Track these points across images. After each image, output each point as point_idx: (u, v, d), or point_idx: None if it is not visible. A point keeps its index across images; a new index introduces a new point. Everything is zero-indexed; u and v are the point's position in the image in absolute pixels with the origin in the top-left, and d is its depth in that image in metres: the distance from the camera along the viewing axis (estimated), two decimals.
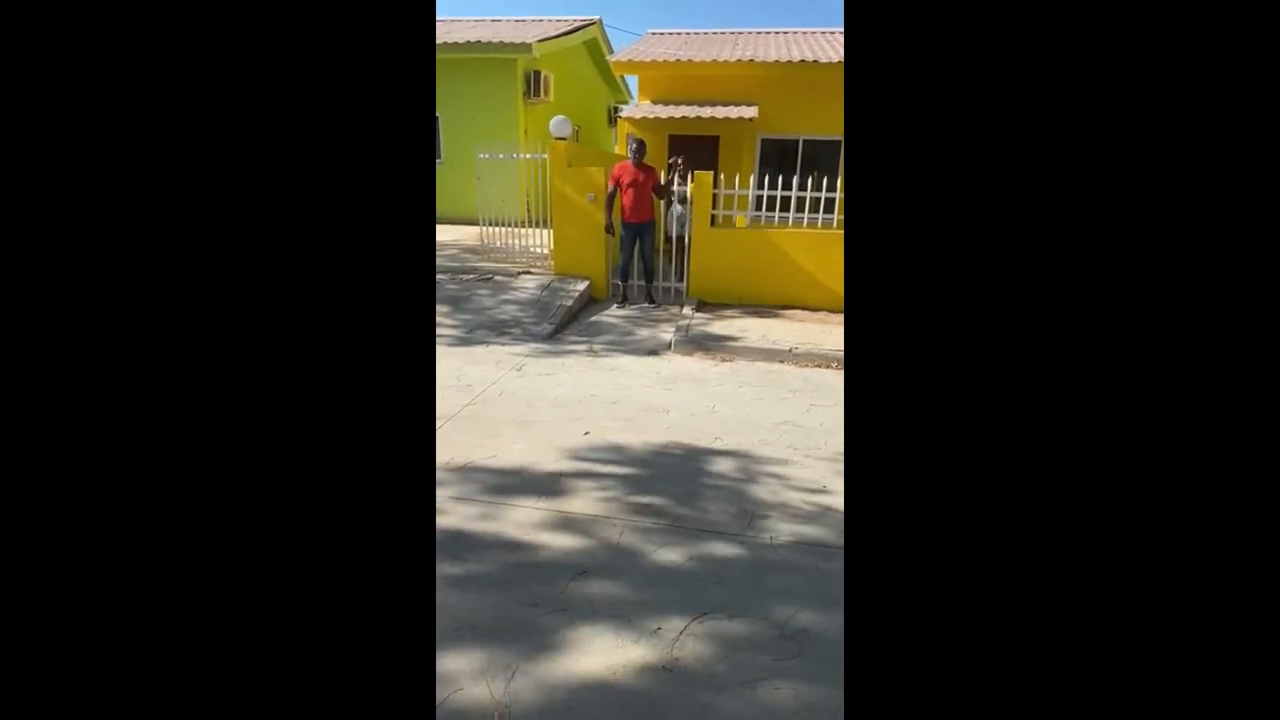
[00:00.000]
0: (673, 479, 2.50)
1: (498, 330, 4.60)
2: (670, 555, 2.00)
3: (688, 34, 9.77)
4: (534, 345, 4.34)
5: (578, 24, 10.17)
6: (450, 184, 8.82)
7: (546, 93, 9.07)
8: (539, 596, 1.78)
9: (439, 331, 4.52)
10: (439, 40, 8.56)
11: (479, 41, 8.51)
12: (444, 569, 1.88)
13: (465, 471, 2.49)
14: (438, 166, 8.98)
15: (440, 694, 1.43)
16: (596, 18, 10.75)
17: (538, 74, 8.94)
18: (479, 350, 4.16)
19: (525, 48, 8.45)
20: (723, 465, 2.65)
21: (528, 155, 5.95)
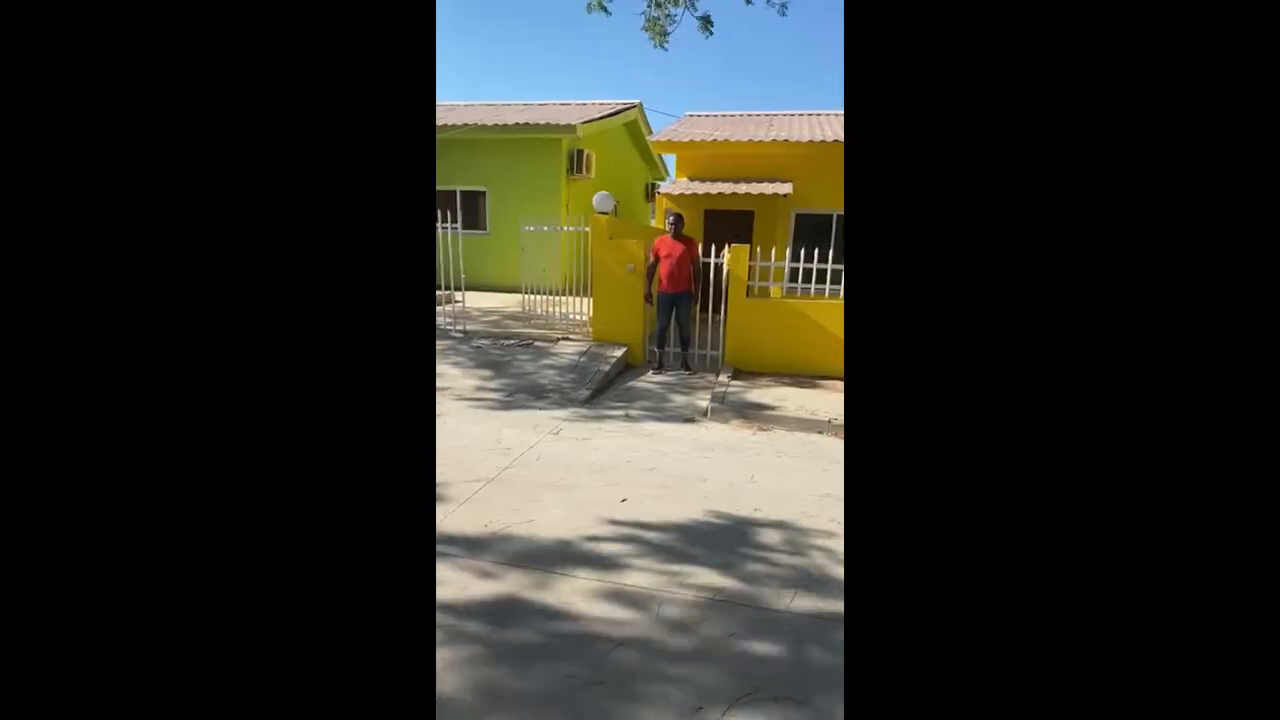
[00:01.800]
0: (713, 550, 2.46)
1: (537, 394, 4.68)
2: (711, 630, 1.94)
3: (724, 116, 10.26)
4: (572, 410, 4.39)
5: (620, 107, 10.80)
6: (495, 253, 9.22)
7: (588, 170, 9.54)
8: (576, 668, 1.74)
9: (481, 395, 4.62)
10: (491, 122, 9.18)
11: (527, 123, 9.09)
12: (480, 634, 1.86)
13: (504, 536, 2.50)
14: (484, 237, 9.42)
15: None
16: (637, 101, 11.41)
17: (581, 152, 9.45)
18: (518, 414, 4.23)
19: (570, 129, 8.97)
20: (765, 537, 2.60)
21: (570, 228, 6.22)
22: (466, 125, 9.16)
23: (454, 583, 2.14)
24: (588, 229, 5.92)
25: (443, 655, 1.77)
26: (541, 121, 9.14)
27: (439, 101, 11.80)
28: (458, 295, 6.45)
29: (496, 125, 9.09)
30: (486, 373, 5.09)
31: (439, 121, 9.40)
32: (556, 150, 9.26)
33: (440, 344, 5.80)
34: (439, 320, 6.32)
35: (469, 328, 6.24)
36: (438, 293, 6.59)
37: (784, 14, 6.02)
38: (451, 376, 4.99)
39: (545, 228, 6.40)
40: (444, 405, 4.34)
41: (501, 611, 1.99)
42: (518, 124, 9.08)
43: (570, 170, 9.44)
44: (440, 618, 1.94)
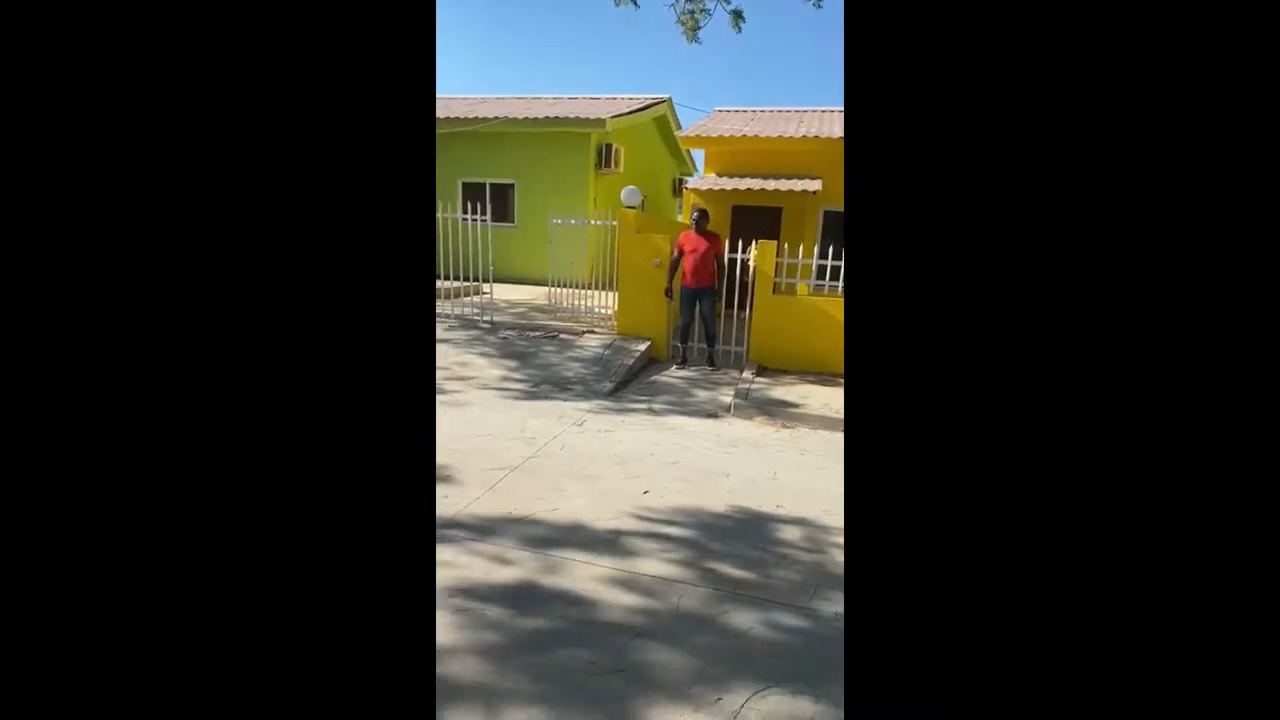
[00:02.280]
0: (734, 545, 2.46)
1: (561, 386, 4.71)
2: (731, 623, 1.95)
3: (754, 111, 10.17)
4: (595, 402, 4.42)
5: (649, 101, 10.78)
6: (523, 246, 9.29)
7: (617, 164, 9.56)
8: (596, 655, 1.76)
9: (506, 385, 4.68)
10: (521, 115, 9.24)
11: (557, 117, 9.12)
12: (502, 619, 1.90)
13: (527, 523, 2.53)
14: (512, 230, 9.49)
15: None
16: (667, 96, 11.37)
17: (609, 147, 9.46)
18: (543, 405, 4.27)
19: (599, 123, 8.99)
20: (786, 534, 2.59)
21: (598, 221, 6.24)
22: (497, 118, 9.23)
23: (477, 567, 2.18)
24: (615, 223, 5.93)
25: (465, 638, 1.80)
26: (571, 115, 9.17)
27: (470, 95, 11.91)
28: (485, 287, 6.52)
29: (526, 119, 9.15)
30: (512, 363, 5.15)
31: (470, 114, 9.50)
32: (585, 144, 9.29)
33: (467, 334, 5.87)
34: (467, 311, 6.40)
35: (496, 319, 6.31)
36: (466, 284, 6.68)
37: (820, 6, 5.93)
38: (478, 366, 5.06)
39: (573, 221, 6.43)
40: (470, 394, 4.41)
41: (523, 597, 2.02)
42: (547, 118, 9.12)
43: (599, 164, 9.46)
44: (462, 602, 1.97)
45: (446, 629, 1.84)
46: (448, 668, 1.68)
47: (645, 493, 2.90)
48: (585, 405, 4.32)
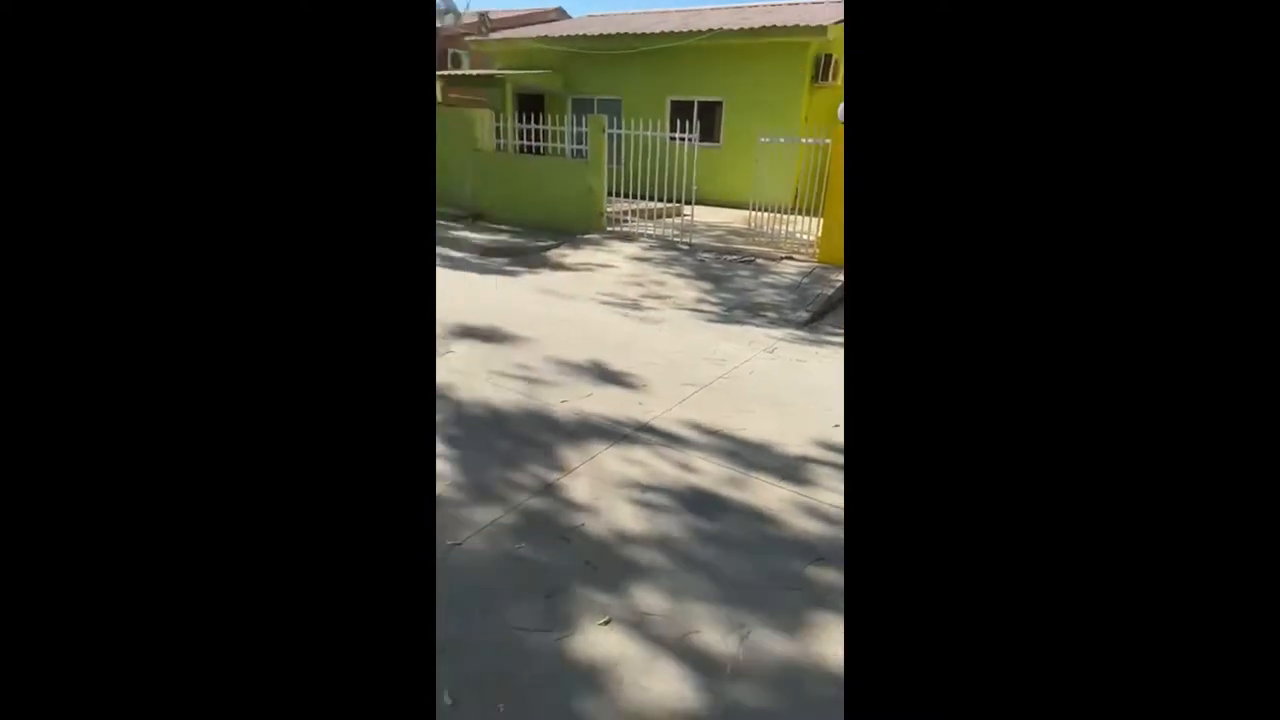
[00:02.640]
0: None
1: (754, 312, 4.65)
2: None
3: None
4: (788, 330, 4.30)
5: None
6: (727, 166, 9.09)
7: (834, 76, 8.75)
8: (775, 570, 1.79)
9: (700, 307, 4.74)
10: (736, 26, 8.79)
11: (774, 26, 8.53)
12: (692, 521, 2.00)
13: (714, 436, 2.60)
14: (717, 150, 9.29)
15: (680, 631, 1.54)
16: None
17: (828, 57, 8.66)
18: (734, 329, 4.27)
19: (820, 30, 8.23)
20: None
21: (809, 140, 5.84)
22: (710, 30, 8.90)
23: (664, 470, 2.31)
24: (828, 141, 5.50)
25: (650, 529, 1.94)
26: (789, 23, 8.51)
27: (682, 7, 11.59)
28: (686, 209, 6.55)
29: (741, 30, 8.69)
30: (707, 285, 5.18)
31: (684, 27, 9.28)
32: (802, 55, 8.61)
33: (666, 255, 6.01)
34: (667, 232, 6.52)
35: (694, 241, 6.34)
36: (667, 205, 6.76)
37: None
38: (674, 286, 5.17)
39: (782, 139, 6.09)
40: (665, 313, 4.55)
41: (706, 503, 2.10)
42: (764, 27, 8.57)
43: (815, 77, 8.75)
44: (652, 497, 2.11)
45: (633, 519, 1.99)
46: (633, 553, 1.83)
47: (836, 426, 2.79)
48: (777, 333, 4.23)
